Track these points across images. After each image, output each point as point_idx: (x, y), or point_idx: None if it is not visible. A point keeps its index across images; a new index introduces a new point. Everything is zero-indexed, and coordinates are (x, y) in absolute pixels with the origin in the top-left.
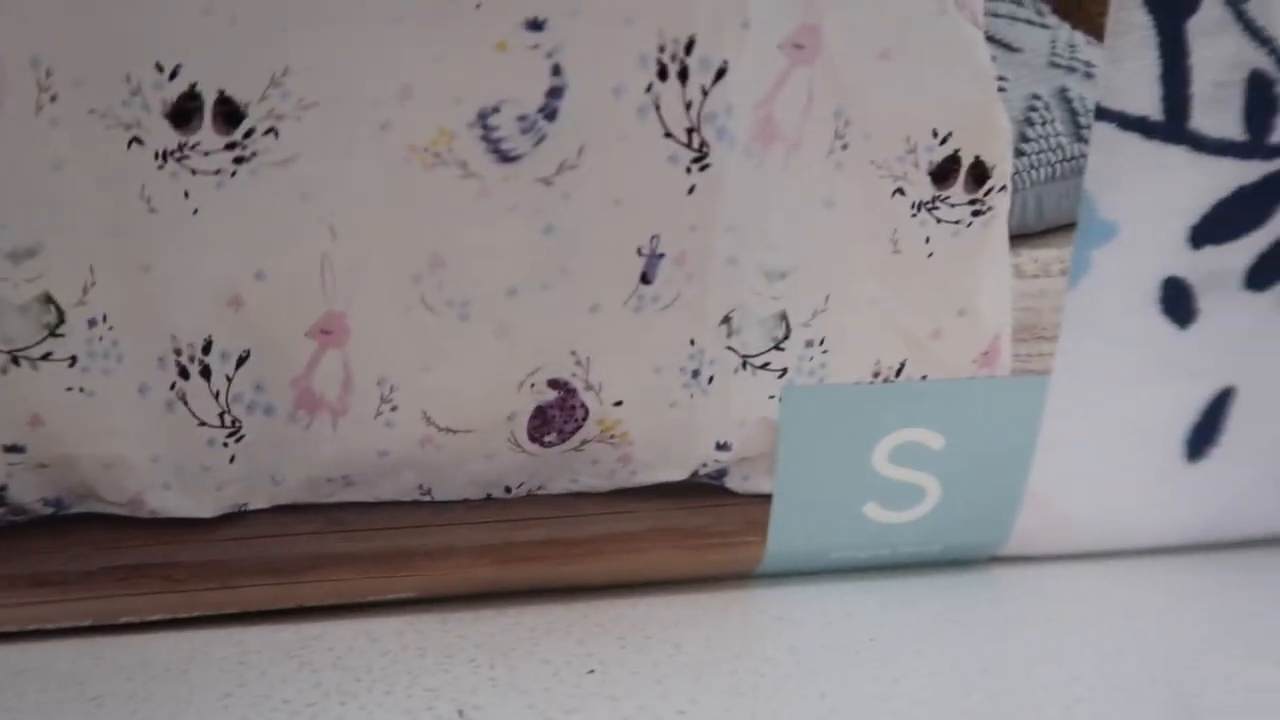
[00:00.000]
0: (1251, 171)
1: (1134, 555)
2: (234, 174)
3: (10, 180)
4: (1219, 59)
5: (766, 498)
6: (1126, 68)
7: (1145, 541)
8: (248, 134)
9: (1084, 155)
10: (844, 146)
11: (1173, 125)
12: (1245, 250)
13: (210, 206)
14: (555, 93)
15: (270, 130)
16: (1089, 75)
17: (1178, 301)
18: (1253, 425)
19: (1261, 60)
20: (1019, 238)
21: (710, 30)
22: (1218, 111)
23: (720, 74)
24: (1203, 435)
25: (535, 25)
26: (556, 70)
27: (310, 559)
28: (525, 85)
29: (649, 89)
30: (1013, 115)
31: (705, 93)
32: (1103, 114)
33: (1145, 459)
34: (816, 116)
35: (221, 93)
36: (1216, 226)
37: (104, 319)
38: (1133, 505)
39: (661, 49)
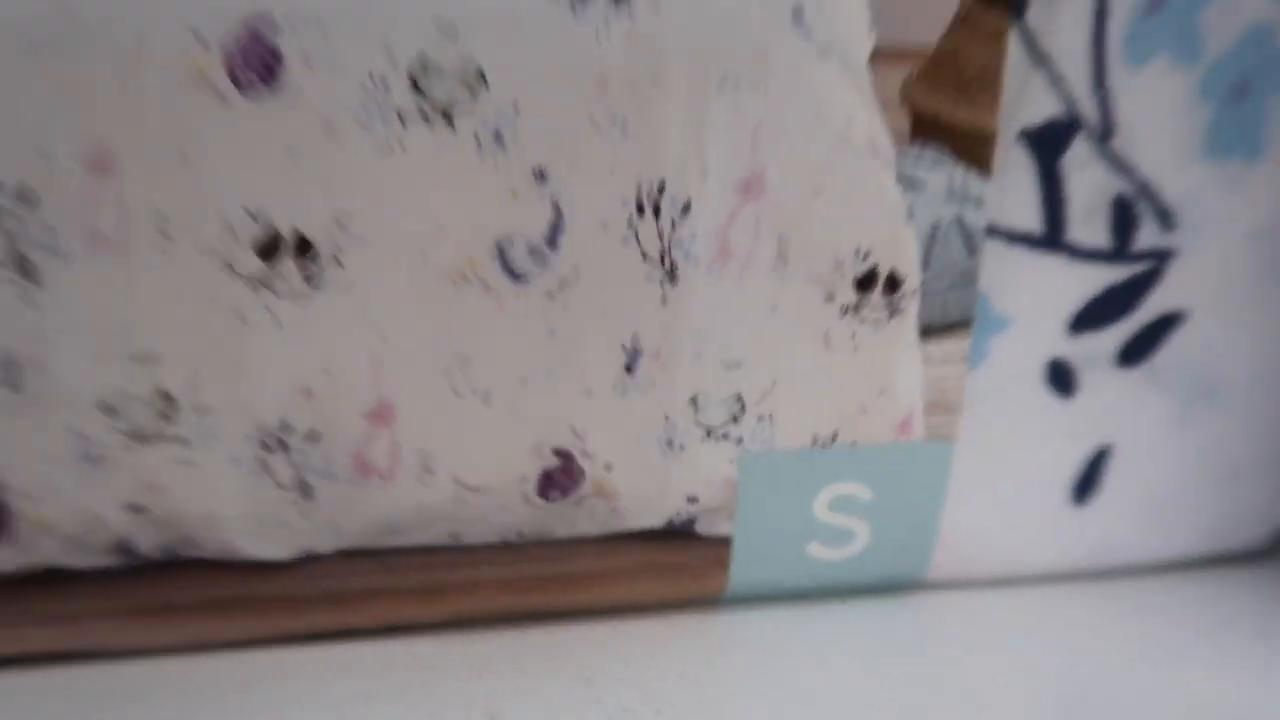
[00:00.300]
0: (1119, 273)
1: (1052, 582)
2: (307, 295)
3: (136, 303)
4: (1088, 186)
5: (728, 540)
6: (1011, 195)
7: (1043, 571)
8: (318, 263)
9: (977, 267)
10: (785, 264)
11: (1052, 238)
12: (1116, 335)
13: (289, 320)
14: (556, 227)
15: (335, 260)
16: (980, 205)
17: (1061, 378)
18: (1128, 475)
19: (1124, 186)
20: (928, 332)
21: (677, 176)
22: (1089, 226)
23: (686, 209)
24: (1086, 485)
25: (541, 175)
26: (557, 210)
27: (365, 592)
28: (533, 221)
29: (630, 223)
30: (919, 237)
31: (674, 225)
32: (993, 231)
33: (1038, 505)
34: (763, 242)
35: (297, 231)
36: (1092, 317)
37: (206, 408)
38: (1030, 543)
39: (639, 190)
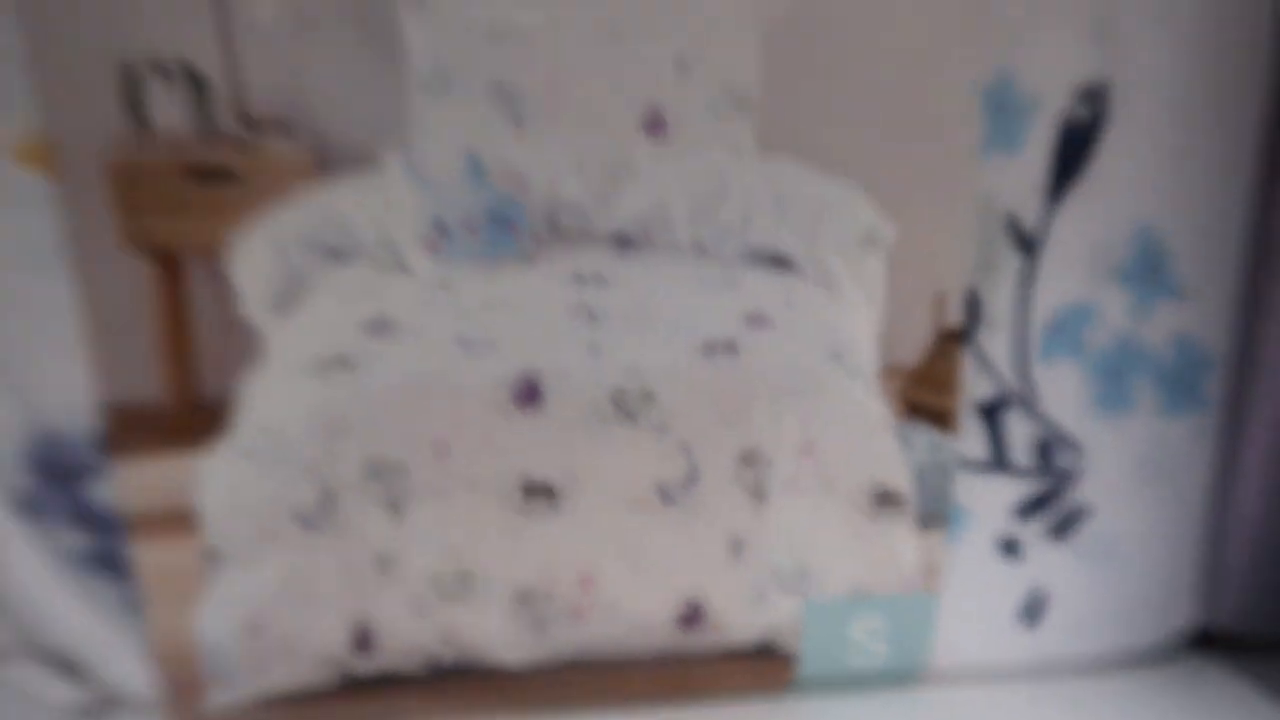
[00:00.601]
0: (1045, 484)
1: (1013, 678)
2: (548, 516)
3: (455, 522)
4: (1020, 432)
5: (797, 653)
6: (972, 442)
7: (1005, 670)
8: (556, 499)
9: (950, 487)
10: (830, 491)
11: (998, 463)
12: (1046, 521)
13: (537, 531)
14: (692, 477)
15: (567, 497)
16: (949, 451)
17: (1010, 549)
18: (1060, 608)
19: (1044, 432)
20: (922, 524)
21: (765, 445)
22: (1025, 454)
23: (769, 464)
24: (1031, 614)
25: (685, 448)
26: (694, 467)
27: (571, 685)
28: (679, 473)
29: (737, 472)
30: (913, 472)
31: (763, 472)
32: (962, 462)
33: (998, 628)
34: (816, 480)
35: (546, 483)
36: (1029, 510)
37: (489, 581)
38: (994, 652)
39: (742, 454)
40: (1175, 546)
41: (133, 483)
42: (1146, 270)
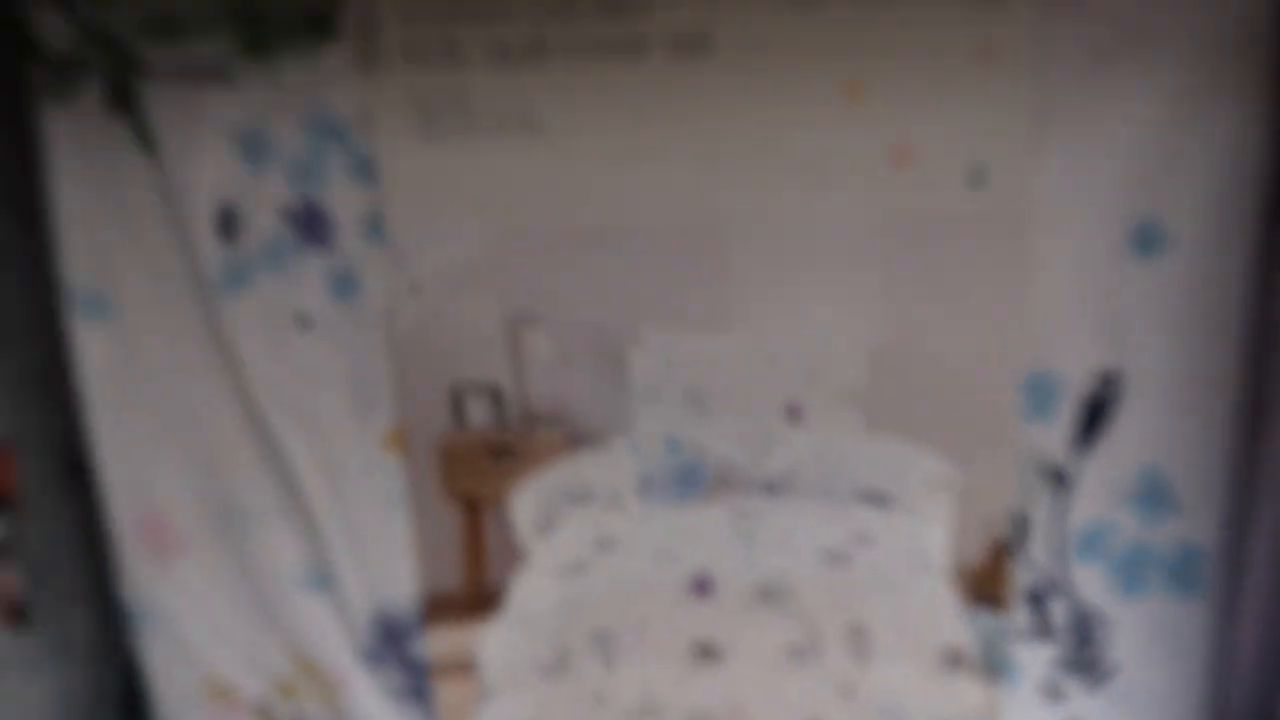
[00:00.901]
0: (1079, 648)
1: None
2: (710, 673)
3: (653, 668)
4: (1061, 609)
5: None
6: (1023, 617)
7: None
8: (715, 657)
9: (1008, 651)
10: (914, 654)
11: (1043, 633)
12: (1082, 675)
13: (706, 678)
14: (816, 644)
15: (725, 658)
16: (1005, 623)
17: (1054, 694)
18: None
19: (1080, 609)
20: (986, 674)
21: (867, 624)
22: (1064, 626)
23: (870, 636)
24: None
25: (811, 626)
26: (817, 639)
27: None
28: (806, 641)
29: (847, 643)
30: (977, 637)
31: (866, 642)
32: (1015, 633)
33: None
34: (904, 646)
35: (710, 641)
36: (1068, 667)
37: (672, 713)
38: None
39: (851, 628)
40: (1185, 692)
41: (438, 644)
42: (1153, 497)
